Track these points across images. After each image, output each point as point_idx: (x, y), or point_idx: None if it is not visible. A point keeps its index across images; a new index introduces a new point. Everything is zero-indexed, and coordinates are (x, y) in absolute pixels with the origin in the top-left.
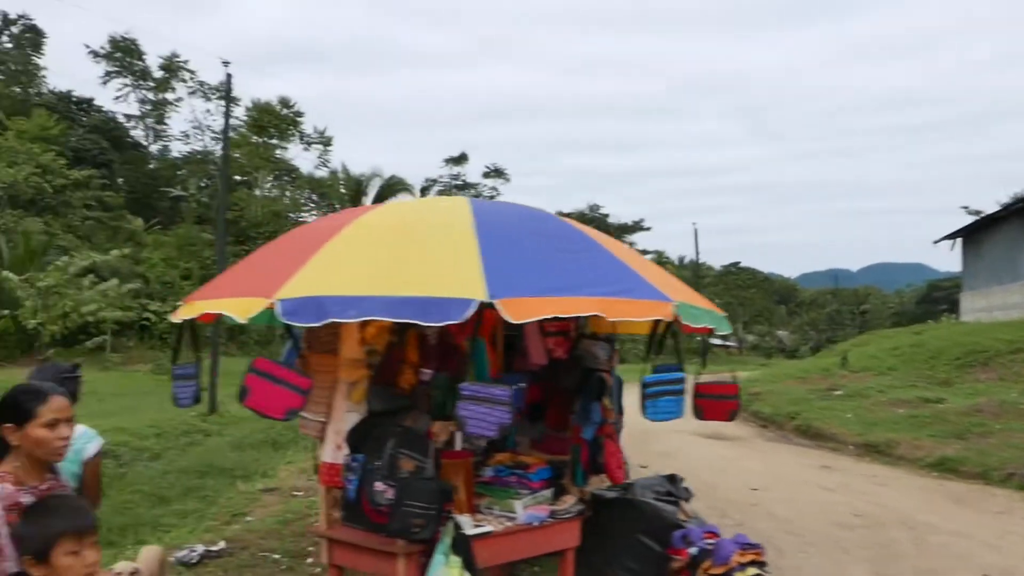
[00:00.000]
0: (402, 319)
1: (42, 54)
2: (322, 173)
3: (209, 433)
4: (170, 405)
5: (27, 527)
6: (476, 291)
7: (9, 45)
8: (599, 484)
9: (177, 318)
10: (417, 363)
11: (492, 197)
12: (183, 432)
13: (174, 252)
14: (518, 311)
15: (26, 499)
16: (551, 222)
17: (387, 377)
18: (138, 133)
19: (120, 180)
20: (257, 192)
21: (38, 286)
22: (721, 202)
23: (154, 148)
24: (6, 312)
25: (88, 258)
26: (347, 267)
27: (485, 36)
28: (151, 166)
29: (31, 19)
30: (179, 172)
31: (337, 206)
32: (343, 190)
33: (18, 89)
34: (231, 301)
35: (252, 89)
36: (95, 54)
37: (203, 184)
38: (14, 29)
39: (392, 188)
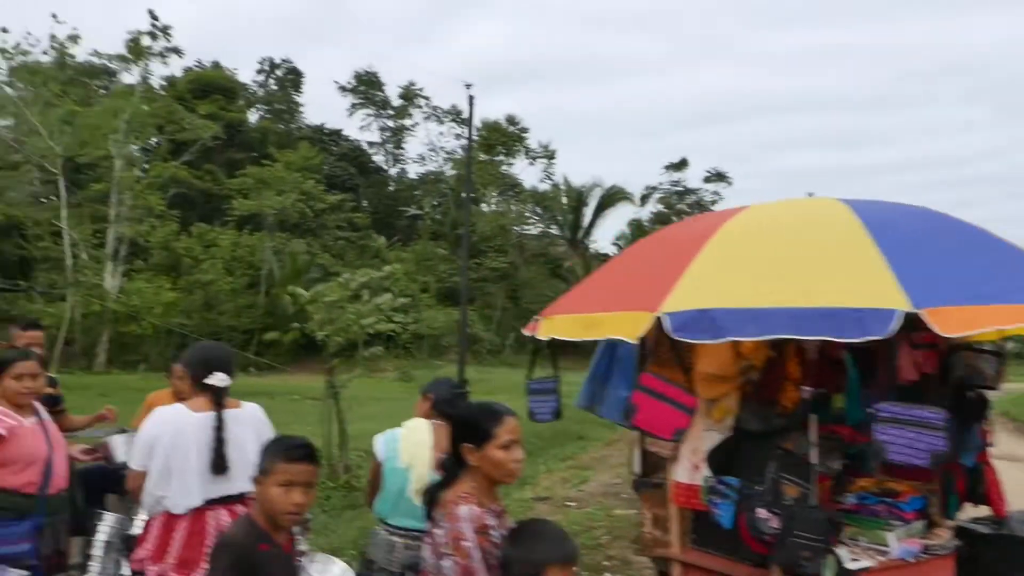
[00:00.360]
0: (814, 336)
1: (301, 92)
2: (544, 186)
3: None
4: None
5: (515, 551)
6: (895, 300)
7: (275, 87)
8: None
9: (541, 334)
10: (799, 379)
11: (714, 202)
12: None
13: (412, 267)
14: (950, 323)
15: (491, 520)
16: (941, 218)
17: (768, 395)
18: (379, 158)
19: (364, 203)
20: (484, 207)
21: (324, 301)
22: (968, 195)
23: (393, 171)
24: (296, 325)
25: (366, 275)
26: (733, 275)
27: (698, 36)
28: (391, 188)
29: (291, 62)
30: (415, 192)
31: (559, 218)
32: (565, 201)
33: (281, 126)
34: (611, 316)
35: (479, 109)
36: (343, 89)
37: (436, 203)
38: (278, 72)
39: (613, 197)
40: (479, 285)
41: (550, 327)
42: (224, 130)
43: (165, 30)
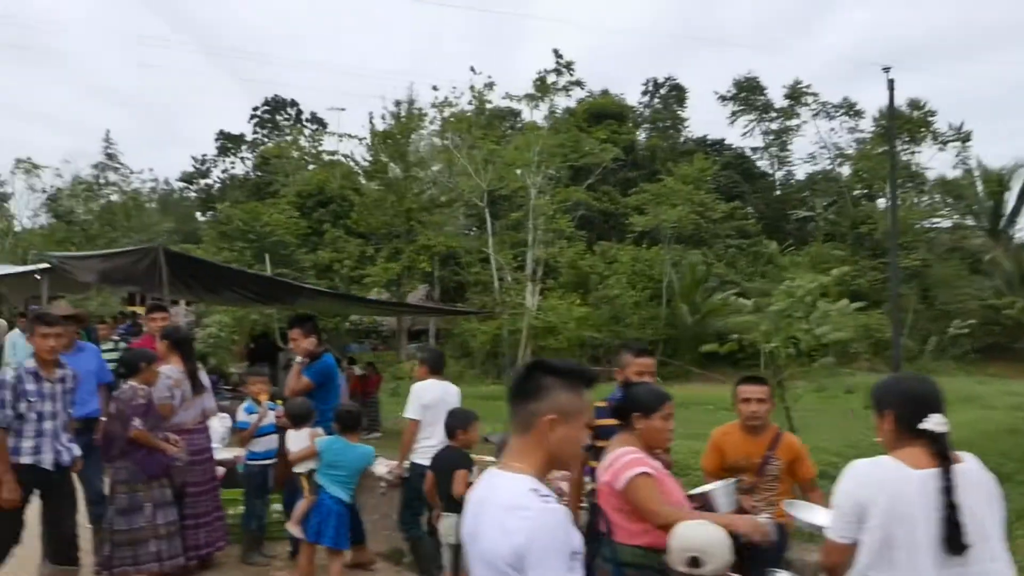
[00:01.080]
0: None
1: (684, 107)
2: (955, 173)
3: None
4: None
5: None
6: None
7: (659, 105)
8: None
9: None
10: None
11: None
12: None
13: (808, 270)
14: None
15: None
16: None
17: None
18: (763, 163)
19: (749, 209)
20: (881, 203)
21: (769, 311)
22: None
23: (779, 175)
24: (735, 336)
25: (814, 280)
26: None
27: None
28: (777, 192)
29: (675, 79)
30: (803, 194)
31: (975, 207)
32: (980, 188)
33: (663, 143)
34: None
35: (873, 97)
36: (723, 98)
37: (828, 203)
38: (662, 91)
39: None
40: (885, 286)
41: None
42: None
43: (568, 66)
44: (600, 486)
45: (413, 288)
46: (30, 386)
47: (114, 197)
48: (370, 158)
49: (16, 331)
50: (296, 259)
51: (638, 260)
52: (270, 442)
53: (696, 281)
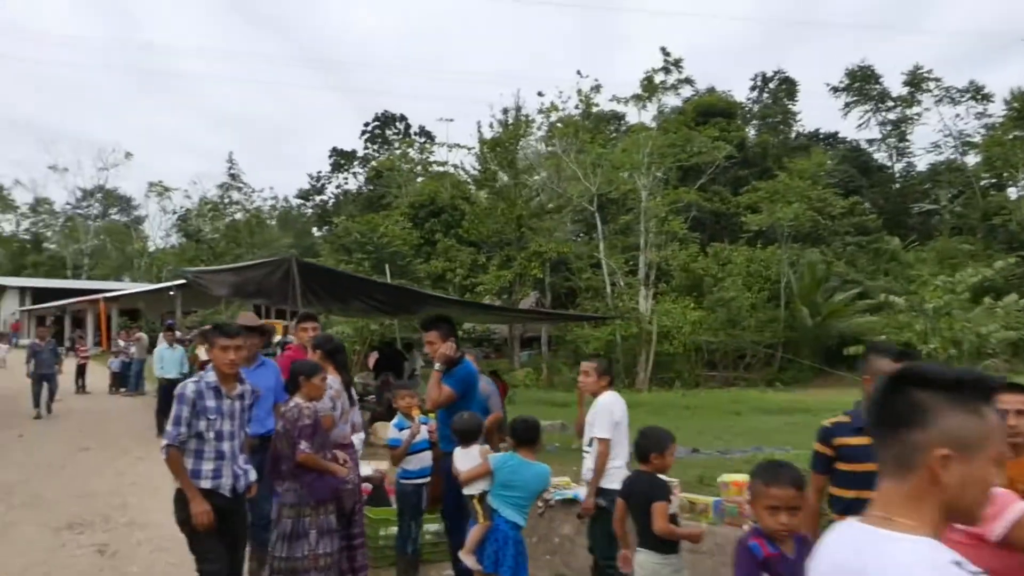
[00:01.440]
0: None
1: (795, 101)
2: None
3: None
4: None
5: None
6: None
7: (769, 100)
8: None
9: None
10: None
11: None
12: None
13: (935, 267)
14: None
15: None
16: None
17: None
18: (880, 155)
19: (866, 204)
20: (1013, 192)
21: (925, 308)
22: None
23: (897, 167)
24: (884, 337)
25: (978, 275)
26: None
27: None
28: (896, 186)
29: (784, 72)
30: (925, 186)
31: None
32: None
33: (774, 139)
34: None
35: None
36: (835, 89)
37: (953, 194)
38: (771, 85)
39: None
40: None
41: None
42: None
43: (677, 63)
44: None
45: (525, 295)
46: (210, 402)
47: (238, 215)
48: (479, 167)
49: (163, 344)
50: (412, 269)
51: (753, 261)
52: (424, 459)
53: (816, 281)
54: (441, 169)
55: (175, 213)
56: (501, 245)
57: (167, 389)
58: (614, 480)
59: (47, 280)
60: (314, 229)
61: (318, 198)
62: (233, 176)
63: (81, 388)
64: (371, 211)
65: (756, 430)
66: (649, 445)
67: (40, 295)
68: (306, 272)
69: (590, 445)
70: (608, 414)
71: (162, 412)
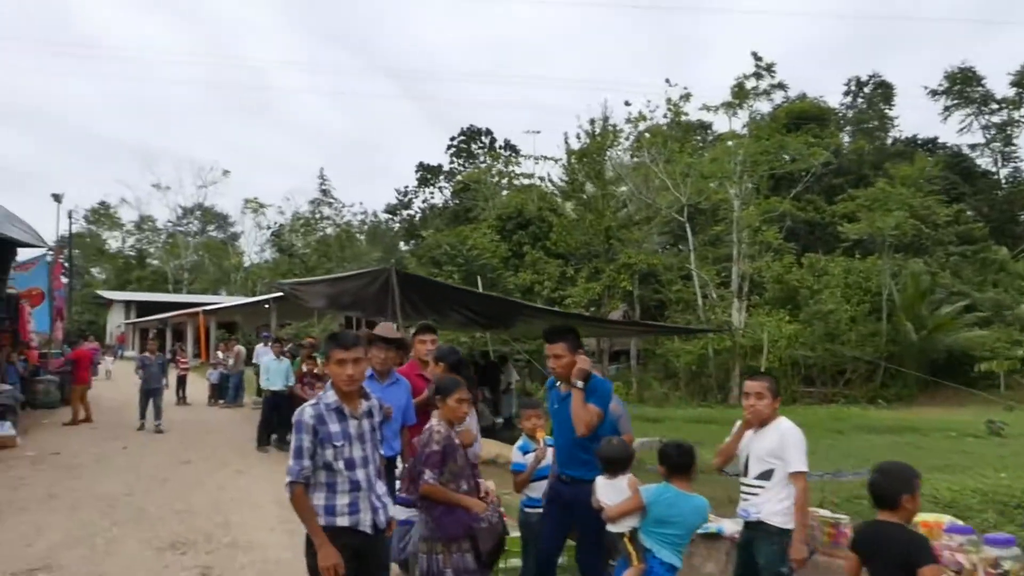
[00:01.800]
0: None
1: (891, 105)
2: None
3: None
4: None
5: None
6: None
7: (864, 105)
8: None
9: None
10: None
11: None
12: None
13: None
14: None
15: None
16: None
17: None
18: (984, 161)
19: (969, 212)
20: None
21: None
22: None
23: (1003, 173)
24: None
25: None
26: None
27: None
28: (1001, 192)
29: (880, 76)
30: None
31: None
32: None
33: (870, 145)
34: None
35: None
36: (933, 92)
37: None
38: (866, 89)
39: None
40: None
41: None
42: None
43: (769, 68)
44: None
45: (614, 307)
46: (334, 427)
47: (328, 230)
48: (566, 178)
49: (269, 355)
50: (502, 281)
51: (852, 272)
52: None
53: (920, 293)
54: (527, 181)
55: (269, 228)
56: (589, 257)
57: (272, 401)
58: (786, 517)
59: (150, 294)
60: (401, 243)
61: (405, 212)
62: (324, 192)
63: (182, 399)
64: (457, 224)
65: (863, 450)
66: (897, 485)
67: (143, 308)
68: (405, 283)
69: (762, 478)
70: (800, 443)
71: (265, 424)
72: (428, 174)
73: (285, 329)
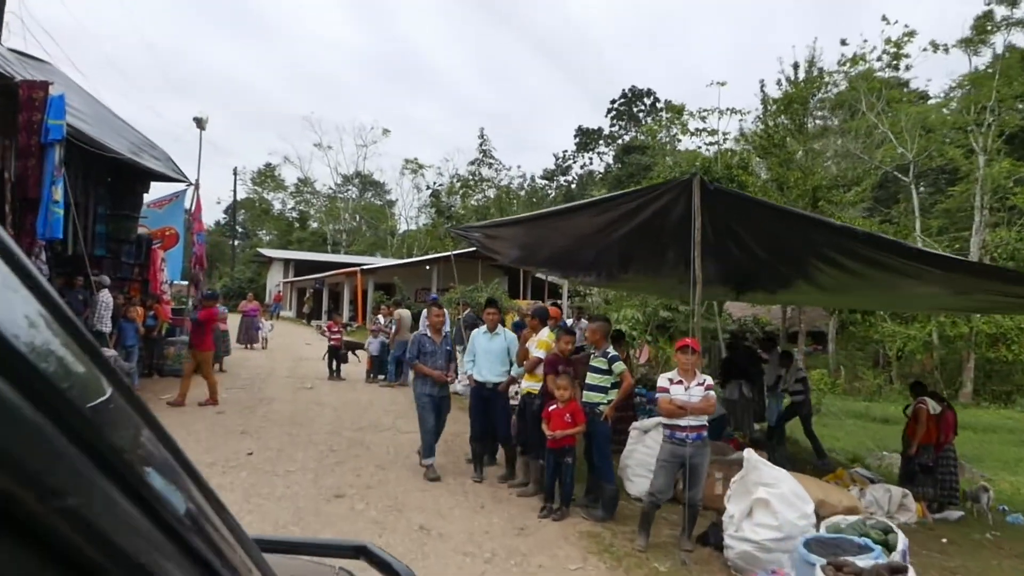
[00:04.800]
0: None
1: None
2: None
3: None
4: None
5: None
6: None
7: None
8: None
9: None
10: None
11: None
12: None
13: None
14: None
15: None
16: None
17: None
18: None
19: None
20: None
21: None
22: None
23: None
24: None
25: None
26: None
27: None
28: None
29: None
30: None
31: None
32: None
33: None
34: None
35: None
36: None
37: None
38: None
39: None
40: None
41: None
42: None
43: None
44: None
45: None
46: None
47: (489, 192)
48: (761, 133)
49: (480, 329)
50: None
51: None
52: None
53: None
54: (711, 139)
55: (428, 188)
56: None
57: (478, 392)
58: None
59: (308, 253)
60: None
61: (562, 179)
62: (484, 152)
63: (335, 373)
64: (620, 189)
65: None
66: None
67: (301, 267)
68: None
69: None
70: None
71: (479, 437)
72: (587, 139)
73: (448, 294)
